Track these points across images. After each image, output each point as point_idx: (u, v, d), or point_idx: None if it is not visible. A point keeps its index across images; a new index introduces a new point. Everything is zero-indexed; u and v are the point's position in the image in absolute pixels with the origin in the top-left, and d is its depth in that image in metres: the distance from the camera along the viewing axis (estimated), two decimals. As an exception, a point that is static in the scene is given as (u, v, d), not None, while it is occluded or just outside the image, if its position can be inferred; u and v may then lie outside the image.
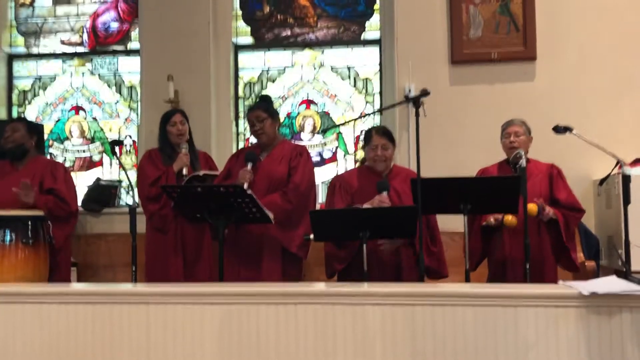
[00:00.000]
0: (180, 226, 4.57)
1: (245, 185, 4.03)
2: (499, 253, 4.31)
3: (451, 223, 4.40)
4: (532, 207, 4.05)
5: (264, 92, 6.25)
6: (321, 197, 5.99)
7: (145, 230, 4.70)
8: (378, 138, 4.22)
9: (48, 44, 6.62)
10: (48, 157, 6.16)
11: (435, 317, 2.88)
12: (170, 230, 4.59)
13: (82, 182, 6.26)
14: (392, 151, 4.28)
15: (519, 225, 4.10)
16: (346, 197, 4.21)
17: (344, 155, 6.20)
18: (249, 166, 4.19)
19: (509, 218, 4.12)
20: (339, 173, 6.03)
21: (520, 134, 4.38)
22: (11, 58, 6.64)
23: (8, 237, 4.21)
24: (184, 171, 4.63)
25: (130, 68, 6.45)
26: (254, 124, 4.36)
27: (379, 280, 3.80)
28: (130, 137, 6.43)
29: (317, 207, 4.86)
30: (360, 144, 6.13)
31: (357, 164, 6.00)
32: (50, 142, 6.47)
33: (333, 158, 6.20)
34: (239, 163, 4.39)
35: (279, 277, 4.18)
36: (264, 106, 4.41)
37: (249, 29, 6.37)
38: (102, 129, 6.49)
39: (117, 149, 6.35)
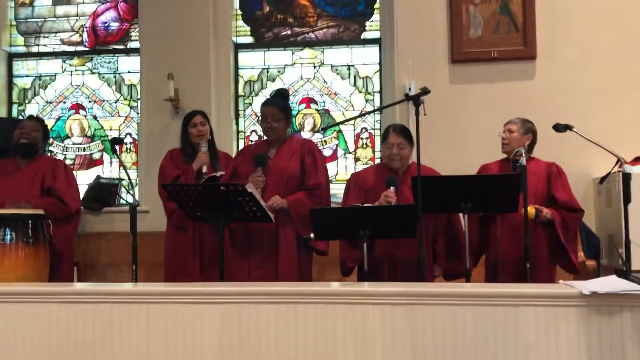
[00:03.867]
0: (199, 225, 4.58)
1: (259, 191, 4.02)
2: (494, 252, 4.31)
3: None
4: (529, 210, 4.05)
5: (264, 91, 6.25)
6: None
7: (166, 228, 4.74)
8: (395, 137, 4.20)
9: (48, 43, 6.61)
10: (49, 155, 6.16)
11: (435, 317, 2.88)
12: (189, 229, 4.63)
13: (83, 180, 6.25)
14: (409, 150, 4.23)
15: (517, 222, 4.09)
16: (360, 194, 4.20)
17: (344, 154, 6.20)
18: (260, 171, 4.16)
19: None
20: (347, 171, 6.08)
21: (513, 131, 4.38)
22: (11, 57, 6.63)
23: (8, 236, 4.19)
24: (204, 169, 4.65)
25: (130, 67, 6.45)
26: (268, 120, 4.29)
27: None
28: (130, 135, 6.43)
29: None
30: (361, 142, 6.14)
31: (366, 160, 6.03)
32: (51, 140, 6.46)
33: (333, 156, 6.20)
34: (246, 161, 4.36)
35: (295, 274, 4.18)
36: (282, 105, 4.34)
37: (249, 28, 6.37)
38: (102, 127, 6.49)
39: (117, 147, 6.33)
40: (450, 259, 4.21)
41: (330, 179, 6.00)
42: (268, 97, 5.09)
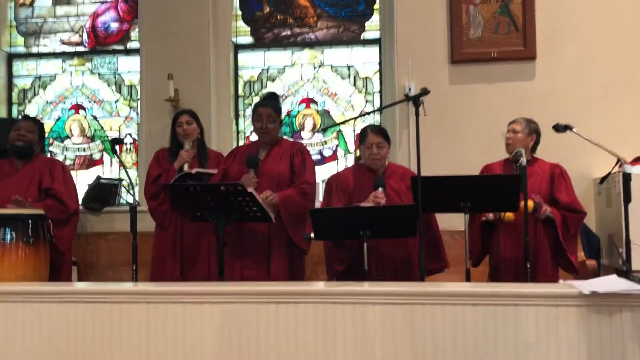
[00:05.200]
0: (180, 224, 4.67)
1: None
2: (495, 253, 4.31)
3: (452, 222, 4.39)
4: (529, 203, 4.06)
5: (264, 91, 6.24)
6: (321, 195, 5.99)
7: (155, 227, 4.79)
8: (373, 136, 4.19)
9: (48, 43, 6.62)
10: (48, 155, 6.15)
11: (435, 317, 2.88)
12: (170, 227, 4.70)
13: (83, 180, 6.26)
14: (388, 150, 4.25)
15: (517, 221, 4.10)
16: (343, 196, 4.19)
17: (344, 154, 6.20)
18: (252, 172, 4.16)
19: (508, 213, 4.13)
20: (335, 172, 6.03)
21: (517, 131, 4.38)
22: (11, 57, 6.63)
23: (8, 236, 4.20)
24: (185, 168, 4.67)
25: (130, 67, 6.45)
26: (263, 121, 4.30)
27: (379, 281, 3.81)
28: (130, 135, 6.43)
29: (317, 204, 4.87)
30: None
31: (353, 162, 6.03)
32: (51, 140, 6.47)
33: (333, 157, 6.20)
34: (236, 162, 4.37)
35: (286, 275, 4.18)
36: (277, 106, 4.37)
37: (248, 28, 6.37)
38: (102, 128, 6.49)
39: (117, 147, 6.34)
40: (427, 258, 4.22)
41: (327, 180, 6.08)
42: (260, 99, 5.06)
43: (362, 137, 4.27)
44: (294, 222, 4.16)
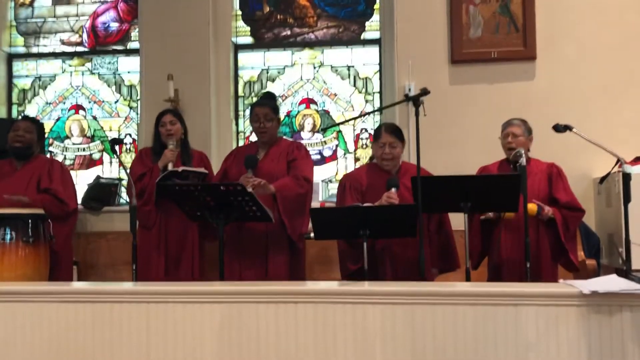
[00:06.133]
0: (164, 223, 4.63)
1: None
2: (497, 253, 4.31)
3: (452, 222, 4.39)
4: (531, 206, 4.06)
5: (263, 91, 6.24)
6: (321, 195, 6.00)
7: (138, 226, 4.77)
8: (387, 136, 4.19)
9: (48, 43, 6.62)
10: (48, 155, 6.15)
11: (435, 317, 2.88)
12: (154, 227, 4.65)
13: (82, 180, 6.26)
14: (401, 149, 4.25)
15: (517, 220, 4.10)
16: (357, 196, 4.18)
17: (344, 154, 6.20)
18: (250, 172, 4.16)
19: None
20: (347, 171, 6.02)
21: (518, 134, 4.37)
22: (11, 58, 6.63)
23: (8, 236, 4.20)
24: (169, 167, 4.65)
25: (130, 67, 6.45)
26: (260, 121, 4.32)
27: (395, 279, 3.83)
28: (130, 135, 6.43)
29: (317, 204, 4.87)
30: (361, 142, 6.14)
31: (366, 161, 6.03)
32: (51, 140, 6.47)
33: (333, 157, 6.20)
34: (235, 163, 4.37)
35: (286, 275, 4.17)
36: (274, 105, 4.39)
37: (248, 28, 6.37)
38: (102, 128, 6.49)
39: (117, 147, 6.34)
40: (441, 259, 4.24)
41: (330, 178, 6.09)
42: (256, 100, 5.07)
43: (375, 136, 4.27)
44: (292, 211, 4.15)
